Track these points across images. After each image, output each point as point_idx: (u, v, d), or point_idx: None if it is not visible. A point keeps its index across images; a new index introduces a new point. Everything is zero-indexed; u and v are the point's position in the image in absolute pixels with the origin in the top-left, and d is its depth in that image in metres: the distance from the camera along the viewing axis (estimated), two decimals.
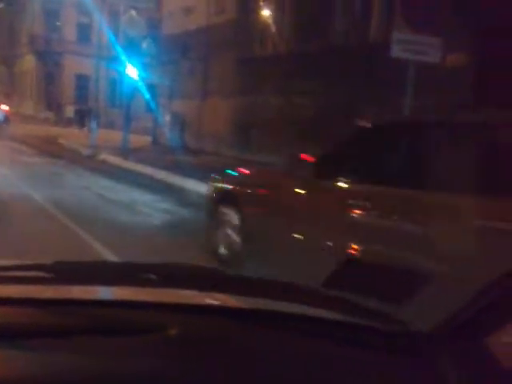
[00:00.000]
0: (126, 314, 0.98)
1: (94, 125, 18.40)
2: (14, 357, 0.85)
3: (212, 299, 1.16)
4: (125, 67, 19.33)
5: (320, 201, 4.18)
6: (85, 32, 31.86)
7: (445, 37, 7.98)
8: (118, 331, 0.93)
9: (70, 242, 5.59)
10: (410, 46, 7.63)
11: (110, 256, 5.02)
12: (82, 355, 0.86)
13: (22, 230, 5.79)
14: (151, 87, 19.89)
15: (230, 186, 5.36)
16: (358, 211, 3.71)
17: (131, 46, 20.47)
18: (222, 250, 5.07)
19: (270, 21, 17.54)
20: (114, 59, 20.99)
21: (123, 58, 19.43)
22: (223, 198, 5.31)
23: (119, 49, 20.33)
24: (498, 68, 8.43)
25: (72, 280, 1.14)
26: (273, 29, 17.30)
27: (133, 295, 1.13)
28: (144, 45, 21.06)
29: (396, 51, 7.72)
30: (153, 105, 19.36)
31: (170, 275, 1.21)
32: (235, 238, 4.96)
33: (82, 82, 31.22)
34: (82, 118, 22.62)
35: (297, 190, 4.44)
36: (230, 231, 5.05)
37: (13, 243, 4.78)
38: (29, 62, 37.15)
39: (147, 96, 18.92)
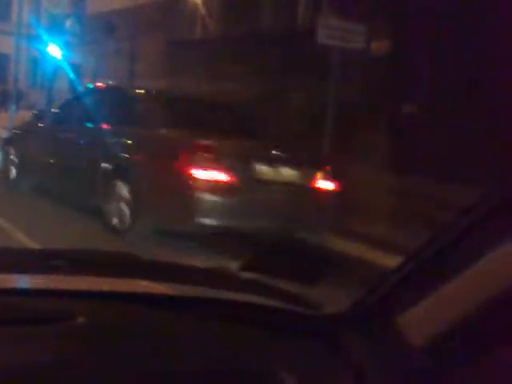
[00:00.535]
0: (34, 302, 0.95)
1: (13, 106, 17.58)
2: None
3: (124, 285, 1.14)
4: (47, 46, 18.53)
5: (51, 139, 7.22)
6: (3, 8, 30.23)
7: (370, 23, 8.12)
8: (25, 320, 0.90)
9: None
10: (336, 33, 7.71)
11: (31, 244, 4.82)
12: None
13: None
14: (75, 67, 19.16)
15: (13, 132, 9.04)
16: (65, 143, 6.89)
17: (54, 25, 19.65)
18: (9, 175, 8.09)
19: (199, 2, 17.27)
20: (35, 38, 20.04)
21: (45, 36, 18.60)
22: (9, 140, 8.60)
23: (41, 27, 19.43)
24: (419, 54, 8.68)
25: None
26: (202, 11, 17.05)
27: (42, 283, 1.10)
28: (67, 23, 20.25)
29: (322, 37, 7.79)
30: (76, 86, 18.65)
31: (81, 261, 1.18)
32: (13, 167, 7.99)
33: (0, 61, 29.67)
34: (4, 99, 21.33)
35: (41, 132, 7.57)
36: (11, 163, 8.07)
37: None
38: None
39: (70, 76, 18.22)
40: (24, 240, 5.02)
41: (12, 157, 8.04)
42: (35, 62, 23.15)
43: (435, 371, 0.88)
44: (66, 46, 18.83)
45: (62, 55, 18.36)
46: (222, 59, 14.29)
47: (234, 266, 1.34)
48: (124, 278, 1.14)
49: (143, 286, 1.14)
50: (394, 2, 9.09)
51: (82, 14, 21.79)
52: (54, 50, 18.56)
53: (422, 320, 0.90)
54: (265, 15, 13.77)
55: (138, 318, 0.98)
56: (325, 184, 5.65)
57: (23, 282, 1.15)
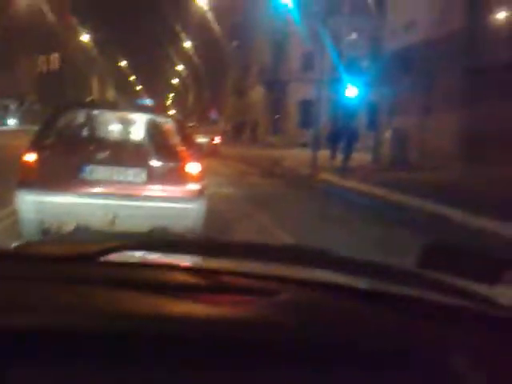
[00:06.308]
0: (249, 281, 1.18)
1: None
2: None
3: (317, 275, 1.27)
4: (345, 88, 19.39)
5: None
6: (308, 59, 32.92)
7: None
8: (244, 291, 1.12)
9: None
10: None
11: None
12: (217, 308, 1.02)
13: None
14: (371, 105, 19.57)
15: None
16: None
17: (352, 67, 20.53)
18: None
19: (504, 25, 16.04)
20: (334, 82, 21.19)
21: (344, 79, 19.51)
22: None
23: (341, 71, 20.45)
24: None
25: (218, 253, 1.33)
26: (506, 34, 15.77)
27: (261, 269, 1.29)
28: (364, 64, 20.94)
29: None
30: (373, 123, 18.96)
31: (289, 255, 1.33)
32: None
33: (304, 107, 32.22)
34: (334, 141, 20.97)
35: None
36: None
37: None
38: (258, 93, 39.70)
39: (367, 114, 18.65)
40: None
41: None
42: (335, 105, 24.46)
43: None
44: (363, 85, 19.42)
45: (360, 95, 18.98)
46: None
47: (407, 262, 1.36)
48: (316, 268, 1.30)
49: (334, 277, 1.24)
50: None
51: (378, 53, 22.32)
52: (352, 91, 19.31)
53: None
54: None
55: (337, 303, 1.09)
56: None
57: (247, 267, 1.31)
